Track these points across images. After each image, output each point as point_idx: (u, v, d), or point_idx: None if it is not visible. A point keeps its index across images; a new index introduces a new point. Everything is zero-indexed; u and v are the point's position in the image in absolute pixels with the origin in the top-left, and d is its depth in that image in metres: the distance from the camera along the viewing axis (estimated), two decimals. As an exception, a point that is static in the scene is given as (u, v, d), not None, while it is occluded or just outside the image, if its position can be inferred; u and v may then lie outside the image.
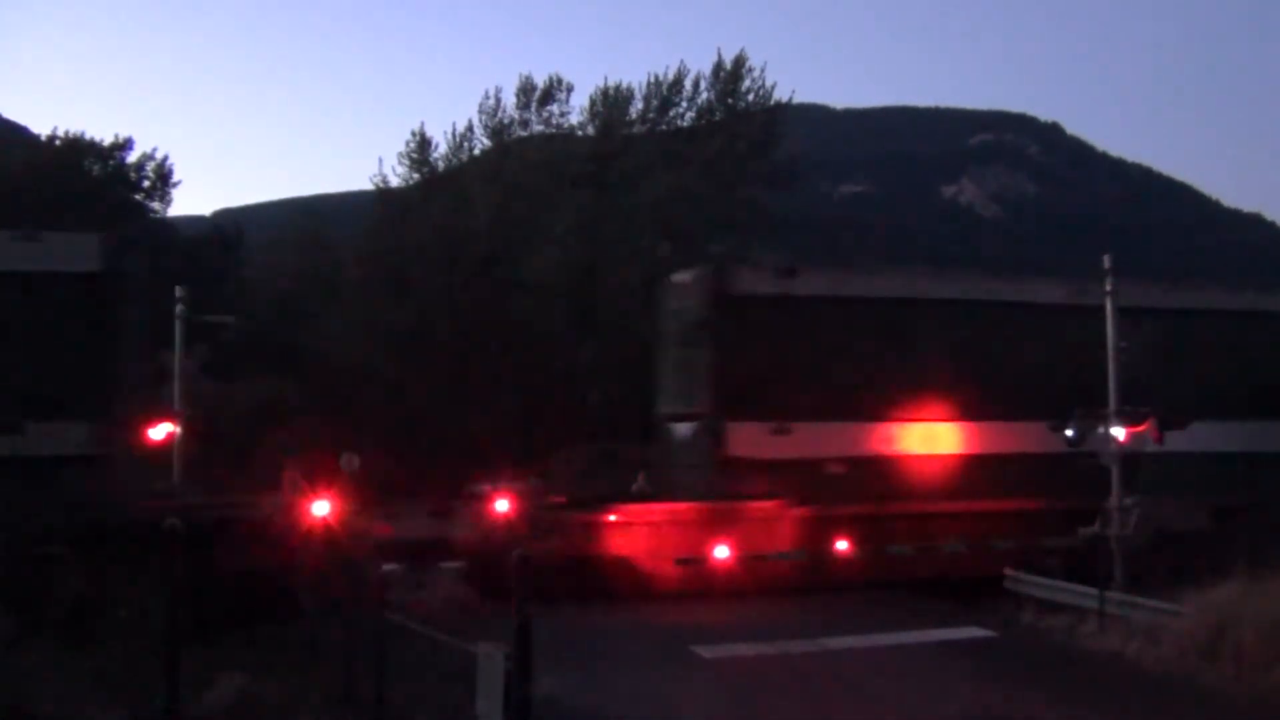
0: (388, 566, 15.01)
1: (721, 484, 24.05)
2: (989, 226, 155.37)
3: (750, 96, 44.95)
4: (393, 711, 11.54)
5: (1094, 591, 18.74)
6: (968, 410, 25.74)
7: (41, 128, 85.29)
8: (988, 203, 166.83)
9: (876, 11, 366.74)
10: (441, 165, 45.75)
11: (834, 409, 24.71)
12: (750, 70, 44.82)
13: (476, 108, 45.15)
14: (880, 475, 24.71)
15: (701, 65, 58.76)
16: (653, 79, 44.95)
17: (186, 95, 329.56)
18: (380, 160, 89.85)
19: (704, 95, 44.99)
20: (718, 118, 44.83)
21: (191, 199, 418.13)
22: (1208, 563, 17.49)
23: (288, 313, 42.69)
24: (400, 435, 32.26)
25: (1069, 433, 21.35)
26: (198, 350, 25.49)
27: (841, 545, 23.30)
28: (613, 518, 23.06)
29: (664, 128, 45.25)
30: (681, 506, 23.67)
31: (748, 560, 22.28)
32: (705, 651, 16.86)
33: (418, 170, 45.75)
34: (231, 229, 53.87)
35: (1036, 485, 24.37)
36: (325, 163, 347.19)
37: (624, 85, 45.13)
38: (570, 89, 44.60)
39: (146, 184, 47.52)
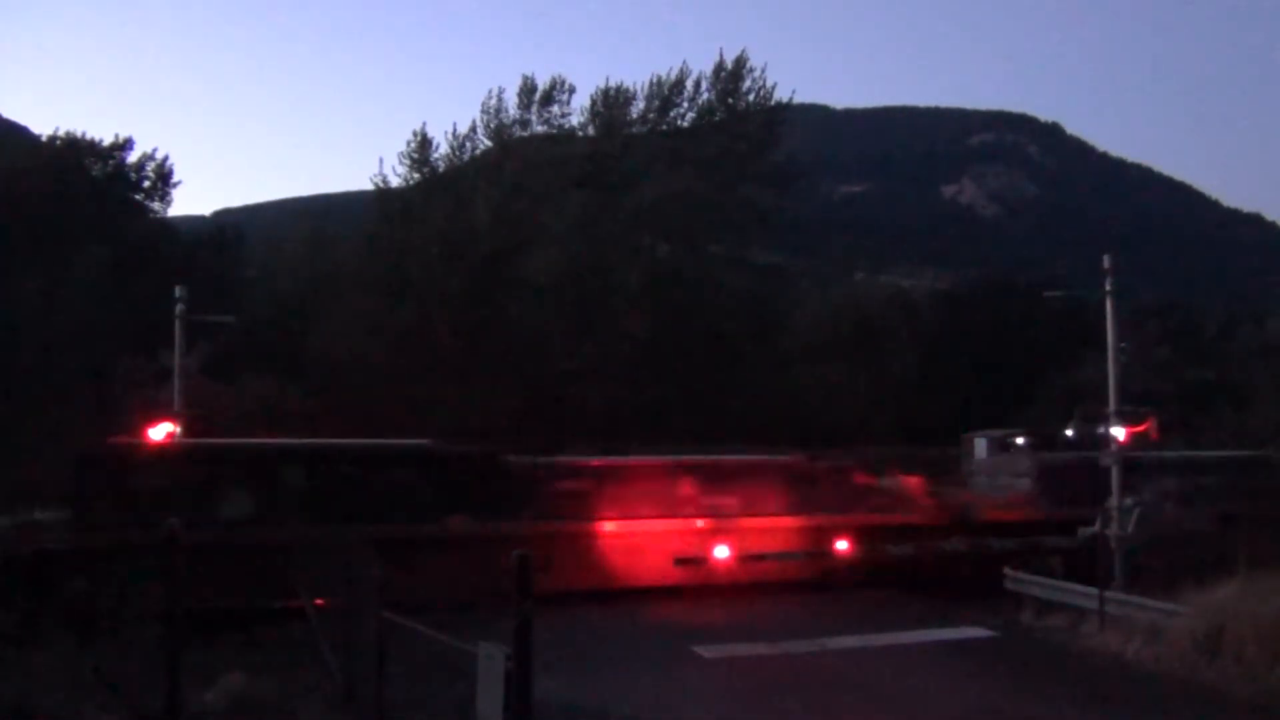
0: None
1: None
2: (989, 226, 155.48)
3: (751, 96, 44.99)
4: (393, 711, 11.54)
5: (1094, 591, 18.75)
6: None
7: (41, 128, 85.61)
8: (988, 203, 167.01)
9: (876, 11, 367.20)
10: (442, 165, 45.81)
11: None
12: (751, 70, 44.90)
13: (478, 108, 45.28)
14: None
15: (703, 66, 58.81)
16: (654, 79, 45.04)
17: (186, 95, 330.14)
18: (380, 160, 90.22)
19: (704, 95, 45.05)
20: (718, 118, 44.86)
21: (191, 199, 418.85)
22: (1208, 563, 17.51)
23: (288, 313, 42.69)
24: (400, 435, 32.24)
25: (1068, 433, 21.40)
26: (198, 350, 25.48)
27: None
28: None
29: (664, 128, 45.30)
30: None
31: None
32: (706, 651, 16.86)
33: (418, 170, 45.81)
34: (231, 229, 53.90)
35: None
36: (325, 163, 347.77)
37: (625, 86, 45.23)
38: (572, 90, 44.69)
39: (146, 184, 47.56)
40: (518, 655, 8.51)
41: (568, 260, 40.62)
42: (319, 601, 15.08)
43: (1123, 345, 21.77)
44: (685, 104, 45.21)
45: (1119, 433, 21.13)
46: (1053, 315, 49.64)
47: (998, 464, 27.17)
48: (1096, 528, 21.18)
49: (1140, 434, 21.84)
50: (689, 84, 44.85)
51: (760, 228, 45.85)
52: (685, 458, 24.82)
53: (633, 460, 24.70)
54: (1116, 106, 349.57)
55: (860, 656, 16.77)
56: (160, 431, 23.24)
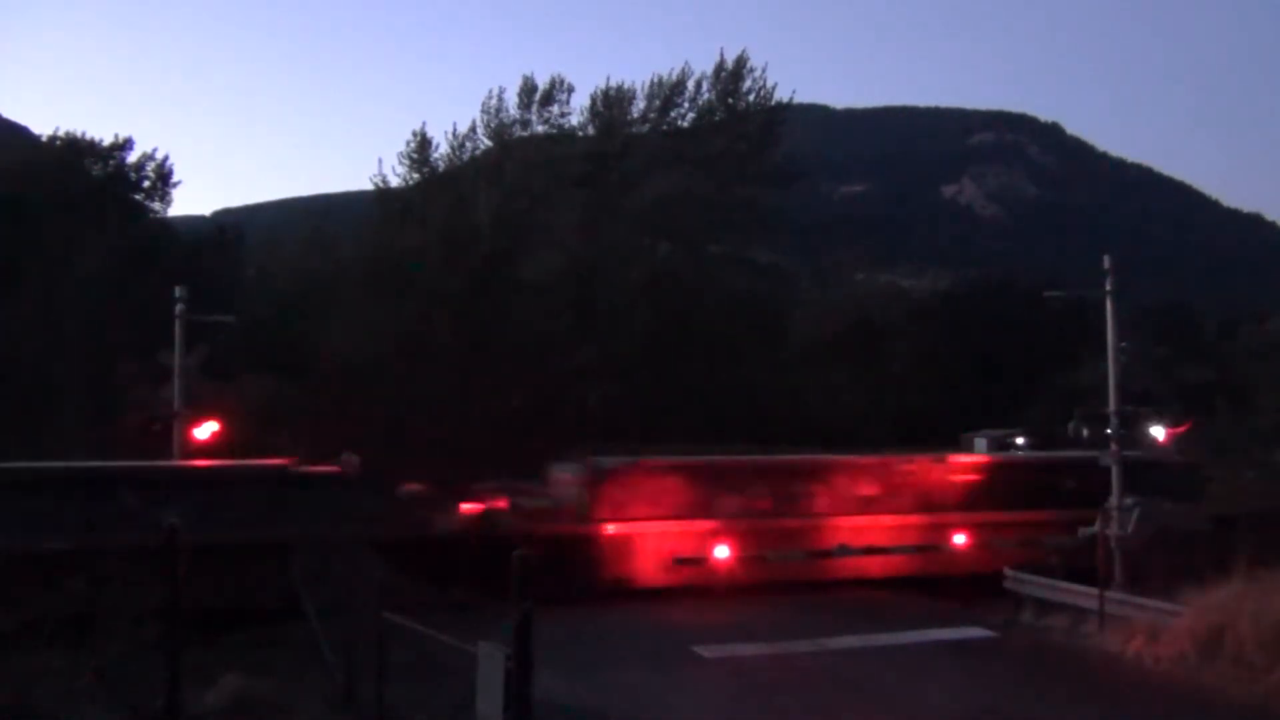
0: None
1: None
2: (989, 226, 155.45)
3: (751, 96, 44.98)
4: (393, 711, 11.54)
5: (1094, 591, 18.74)
6: None
7: (41, 128, 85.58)
8: (987, 203, 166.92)
9: (876, 11, 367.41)
10: (442, 165, 45.80)
11: None
12: (751, 70, 44.90)
13: (478, 108, 45.27)
14: None
15: (703, 66, 58.80)
16: (654, 79, 45.05)
17: (186, 95, 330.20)
18: (380, 160, 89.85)
19: (705, 95, 45.04)
20: (718, 118, 44.85)
21: (191, 199, 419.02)
22: (1208, 563, 17.50)
23: (288, 313, 42.64)
24: (400, 435, 32.23)
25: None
26: (198, 350, 25.44)
27: None
28: None
29: (665, 128, 45.29)
30: None
31: None
32: (706, 651, 16.85)
33: (418, 170, 45.80)
34: (231, 229, 53.86)
35: None
36: (325, 163, 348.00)
37: (625, 86, 45.21)
38: (571, 90, 44.69)
39: (146, 184, 47.47)
40: (518, 655, 8.52)
41: (568, 260, 40.61)
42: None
43: (1123, 345, 21.73)
44: (685, 104, 45.24)
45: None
46: (1053, 315, 49.62)
47: (558, 472, 25.28)
48: (1096, 528, 21.17)
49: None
50: (689, 84, 44.88)
51: (760, 228, 45.84)
52: (135, 463, 21.66)
53: (47, 466, 21.55)
54: (1116, 106, 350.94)
55: (860, 656, 16.76)
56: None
